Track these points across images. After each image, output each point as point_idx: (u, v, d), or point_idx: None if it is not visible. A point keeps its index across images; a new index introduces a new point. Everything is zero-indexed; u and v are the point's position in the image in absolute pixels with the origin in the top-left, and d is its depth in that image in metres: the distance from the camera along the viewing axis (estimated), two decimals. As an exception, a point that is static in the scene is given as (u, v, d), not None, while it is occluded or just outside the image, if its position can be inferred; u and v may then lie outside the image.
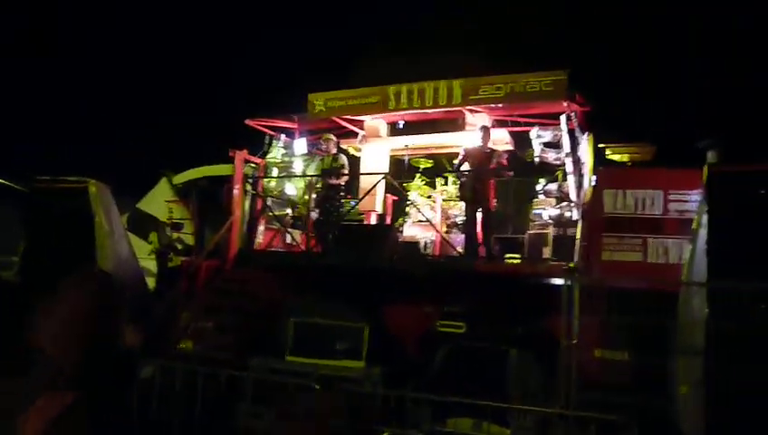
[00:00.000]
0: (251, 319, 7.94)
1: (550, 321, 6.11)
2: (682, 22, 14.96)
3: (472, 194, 8.55)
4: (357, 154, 10.60)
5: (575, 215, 8.21)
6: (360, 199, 9.53)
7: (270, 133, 10.44)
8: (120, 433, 5.77)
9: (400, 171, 10.60)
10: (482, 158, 8.61)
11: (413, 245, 9.48)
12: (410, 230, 9.99)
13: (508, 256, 9.10)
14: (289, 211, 10.08)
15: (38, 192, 8.54)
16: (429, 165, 10.88)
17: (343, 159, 9.48)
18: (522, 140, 9.55)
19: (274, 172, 10.25)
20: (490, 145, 8.83)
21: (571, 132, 8.43)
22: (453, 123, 9.79)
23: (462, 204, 9.41)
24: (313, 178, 9.56)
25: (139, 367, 6.45)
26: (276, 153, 10.29)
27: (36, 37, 19.60)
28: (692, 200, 6.68)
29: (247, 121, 10.18)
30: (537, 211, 9.25)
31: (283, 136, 10.42)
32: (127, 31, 20.31)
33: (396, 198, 10.78)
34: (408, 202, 10.13)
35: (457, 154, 9.29)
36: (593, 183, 7.39)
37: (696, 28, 14.92)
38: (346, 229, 9.09)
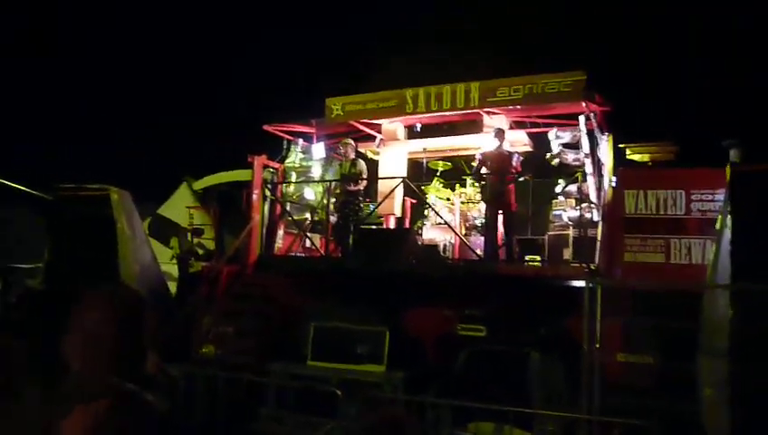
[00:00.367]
0: (271, 324, 7.98)
1: (572, 323, 6.07)
2: (705, 20, 14.79)
3: (493, 196, 8.53)
4: (375, 158, 10.61)
5: (596, 216, 8.15)
6: (379, 204, 9.53)
7: (288, 138, 10.48)
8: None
9: (418, 174, 10.59)
10: (500, 160, 8.59)
11: (432, 248, 9.46)
12: (429, 233, 9.98)
13: (528, 257, 9.07)
14: (308, 216, 10.11)
15: (61, 200, 8.68)
16: (448, 167, 10.86)
17: (362, 164, 9.49)
18: (540, 142, 9.50)
19: (293, 177, 10.29)
20: (507, 147, 8.80)
21: (590, 133, 8.37)
22: (471, 125, 9.76)
23: (481, 205, 9.39)
24: (332, 183, 9.57)
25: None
26: (295, 158, 10.33)
27: (59, 43, 19.89)
28: (715, 200, 6.62)
29: (266, 127, 10.22)
30: (557, 212, 9.19)
31: (301, 141, 10.46)
32: (148, 37, 20.52)
33: (414, 201, 10.78)
34: (426, 205, 10.11)
35: (475, 156, 9.28)
36: (614, 184, 7.33)
37: (718, 26, 14.75)
38: (365, 233, 9.10)
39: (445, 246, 9.72)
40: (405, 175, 9.96)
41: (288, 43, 20.21)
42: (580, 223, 8.39)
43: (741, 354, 4.88)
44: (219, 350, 7.67)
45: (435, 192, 10.34)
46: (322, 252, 9.42)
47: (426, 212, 10.31)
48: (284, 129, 10.42)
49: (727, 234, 5.43)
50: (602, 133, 8.23)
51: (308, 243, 9.95)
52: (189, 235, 10.87)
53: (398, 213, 10.12)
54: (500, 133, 8.71)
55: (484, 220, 9.13)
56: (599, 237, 7.45)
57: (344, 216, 9.41)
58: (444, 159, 10.68)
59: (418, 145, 10.27)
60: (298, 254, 9.92)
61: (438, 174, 10.68)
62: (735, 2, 14.29)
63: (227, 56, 20.48)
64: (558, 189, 9.16)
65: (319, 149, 10.32)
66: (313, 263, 9.28)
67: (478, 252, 8.93)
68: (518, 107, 8.97)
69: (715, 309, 5.40)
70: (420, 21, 17.92)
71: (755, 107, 12.70)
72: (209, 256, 10.68)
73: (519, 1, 15.98)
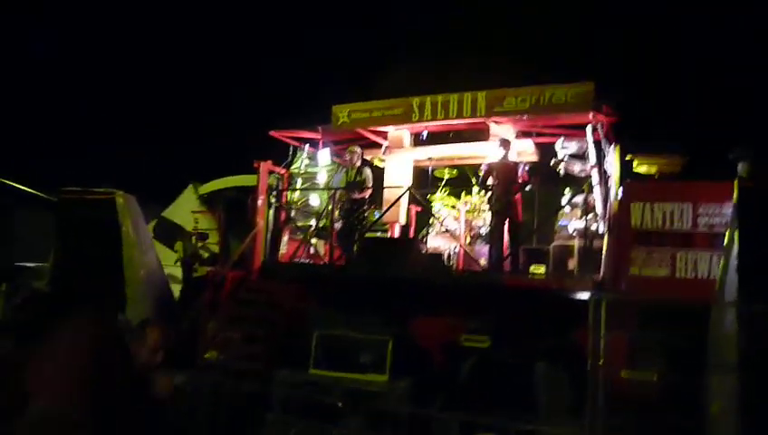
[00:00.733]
0: (276, 330, 7.97)
1: (577, 335, 6.04)
2: (713, 30, 14.78)
3: (498, 206, 8.52)
4: (381, 165, 10.60)
5: (601, 227, 8.12)
6: (385, 212, 9.52)
7: (294, 144, 10.49)
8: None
9: (424, 182, 10.59)
10: (506, 170, 8.58)
11: (437, 256, 9.44)
12: (434, 241, 9.96)
13: (533, 266, 9.03)
14: (313, 222, 10.11)
15: (67, 203, 8.71)
16: (454, 175, 10.85)
17: (367, 172, 9.48)
18: (547, 151, 9.49)
19: (298, 183, 10.30)
20: (514, 156, 8.78)
21: (597, 143, 8.35)
22: (477, 133, 9.75)
23: (486, 214, 9.37)
24: (337, 190, 9.57)
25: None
26: (300, 164, 10.35)
27: (66, 45, 19.98)
28: (723, 214, 6.58)
29: (272, 133, 10.24)
30: (562, 223, 9.17)
31: (307, 147, 10.47)
32: (157, 40, 20.58)
33: (420, 208, 10.77)
34: (431, 215, 10.10)
35: (481, 164, 9.27)
36: (620, 196, 7.31)
37: (727, 37, 14.72)
38: (369, 241, 9.10)
39: (450, 254, 9.70)
40: (410, 182, 9.97)
41: (296, 49, 20.24)
42: (586, 234, 8.36)
43: (749, 370, 4.84)
44: (223, 355, 7.67)
45: (440, 200, 10.33)
46: (327, 259, 9.42)
47: (431, 220, 10.30)
48: (291, 135, 10.43)
49: (736, 249, 5.40)
50: (609, 144, 8.21)
51: (312, 249, 9.95)
52: (194, 239, 10.89)
53: (404, 221, 10.11)
54: (506, 143, 8.70)
55: (489, 229, 9.11)
56: (604, 249, 7.42)
57: (349, 223, 9.40)
58: (450, 166, 10.66)
59: (424, 153, 10.25)
60: (302, 260, 9.92)
61: (444, 182, 10.67)
62: (747, 10, 14.24)
63: (235, 61, 20.54)
64: (564, 200, 9.13)
65: (325, 156, 10.34)
66: (317, 270, 9.27)
67: (483, 261, 8.91)
68: (525, 117, 8.97)
69: (723, 325, 5.37)
70: (426, 29, 17.94)
71: (765, 119, 12.66)
72: (214, 260, 10.70)
73: (527, 10, 15.97)
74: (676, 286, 6.44)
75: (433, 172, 10.63)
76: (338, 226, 9.55)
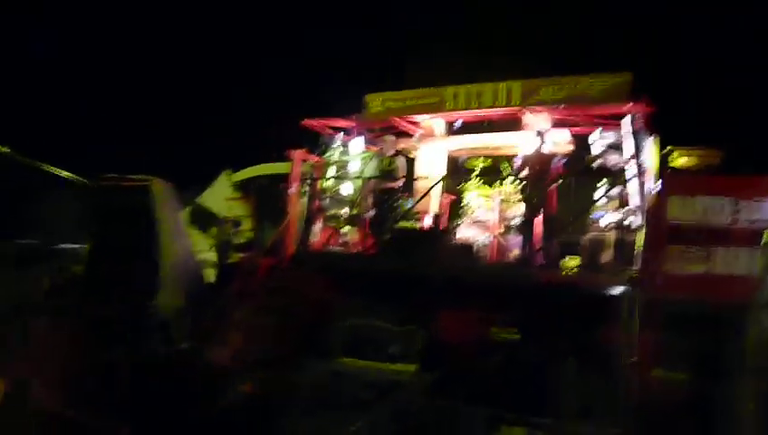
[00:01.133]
0: (305, 318, 8.02)
1: (609, 332, 5.94)
2: (755, 18, 14.23)
3: (532, 198, 8.40)
4: (414, 154, 10.54)
5: (637, 221, 7.94)
6: (417, 202, 9.47)
7: (328, 133, 10.50)
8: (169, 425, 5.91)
9: (457, 171, 10.51)
10: (541, 162, 8.45)
11: (467, 248, 9.35)
12: (466, 232, 9.86)
13: (566, 259, 8.89)
14: (345, 210, 10.11)
15: (104, 189, 8.88)
16: (487, 164, 10.74)
17: (399, 161, 9.45)
18: (583, 142, 9.30)
19: (331, 171, 10.30)
20: (548, 147, 8.64)
21: (634, 135, 8.14)
22: (511, 124, 9.63)
23: (520, 205, 9.26)
24: (369, 179, 9.56)
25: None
26: (334, 153, 10.34)
27: (100, 33, 20.31)
28: (764, 209, 6.36)
29: (305, 122, 10.26)
30: (596, 215, 8.98)
31: (340, 135, 10.46)
32: (190, 29, 20.81)
33: (453, 197, 10.69)
34: (463, 205, 10.02)
35: (516, 154, 9.15)
36: (657, 188, 7.13)
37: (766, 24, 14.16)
38: (400, 232, 9.07)
39: (482, 245, 9.60)
40: (443, 172, 9.91)
41: (330, 38, 20.20)
42: (621, 227, 8.18)
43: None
44: (252, 343, 7.75)
45: (473, 190, 10.23)
46: (358, 248, 9.43)
47: (463, 210, 10.21)
48: (324, 123, 10.44)
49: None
50: (647, 135, 8.01)
51: (344, 238, 9.97)
52: (228, 226, 11.01)
53: (436, 211, 10.04)
54: (541, 134, 8.57)
55: (522, 220, 9.00)
56: (639, 244, 7.25)
57: (381, 212, 9.39)
58: (483, 156, 10.56)
59: (458, 142, 10.18)
60: (334, 248, 9.93)
61: (477, 172, 10.57)
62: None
63: (270, 49, 20.64)
64: (599, 192, 8.95)
65: (358, 145, 10.32)
66: (348, 260, 9.29)
67: (515, 253, 8.80)
68: (561, 107, 8.81)
69: (761, 325, 5.21)
70: (459, 19, 17.70)
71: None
72: (248, 247, 10.81)
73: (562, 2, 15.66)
74: (713, 284, 6.24)
75: (466, 161, 10.54)
76: (370, 215, 9.55)
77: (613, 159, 8.61)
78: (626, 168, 8.30)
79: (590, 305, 6.49)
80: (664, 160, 7.38)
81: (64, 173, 9.56)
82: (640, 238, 7.22)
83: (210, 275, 10.05)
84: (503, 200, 9.82)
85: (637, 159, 8.13)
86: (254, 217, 11.04)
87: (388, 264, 8.15)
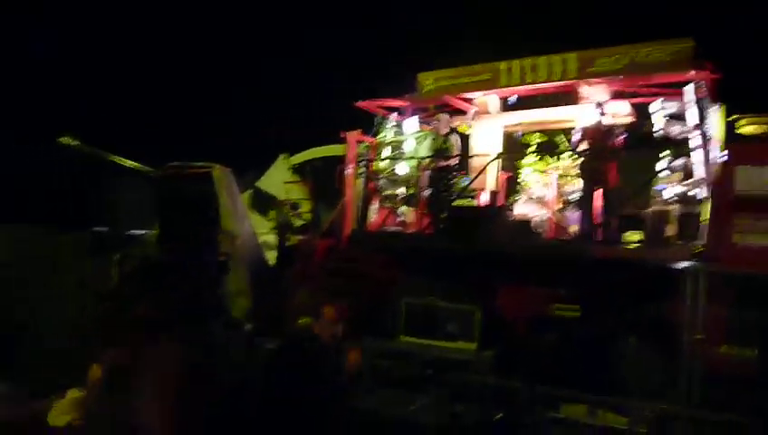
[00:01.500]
0: (364, 298, 8.14)
1: (672, 309, 5.81)
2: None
3: (591, 172, 8.24)
4: (469, 132, 10.46)
5: (702, 193, 7.69)
6: (473, 180, 9.42)
7: (381, 113, 10.53)
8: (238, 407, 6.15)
9: (513, 147, 10.38)
10: (600, 134, 8.26)
11: (525, 224, 9.25)
12: (523, 208, 9.77)
13: (627, 234, 8.69)
14: (401, 190, 10.16)
15: (169, 178, 9.21)
16: (543, 139, 10.57)
17: (454, 139, 9.41)
18: (643, 113, 9.03)
19: (386, 152, 10.35)
20: (608, 120, 8.43)
21: (698, 103, 7.85)
22: (568, 96, 9.42)
23: (578, 180, 9.09)
24: (424, 159, 9.55)
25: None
26: (388, 133, 10.38)
27: (159, 19, 20.78)
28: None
29: (359, 103, 10.32)
30: (659, 188, 8.74)
31: (394, 115, 10.48)
32: (246, 13, 21.09)
33: (509, 174, 10.58)
34: (519, 181, 9.91)
35: (573, 128, 8.97)
36: (723, 158, 6.88)
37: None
38: (456, 210, 9.05)
39: (539, 222, 9.49)
40: (499, 149, 9.81)
41: (382, 18, 20.09)
42: (685, 200, 7.94)
43: None
44: (314, 323, 7.92)
45: (530, 166, 10.11)
46: (414, 228, 9.47)
47: (519, 186, 10.10)
48: (377, 104, 10.46)
49: None
50: (711, 104, 7.71)
51: (401, 218, 10.02)
52: (287, 208, 11.24)
53: (492, 188, 9.97)
54: (600, 106, 8.36)
55: (580, 195, 8.84)
56: (705, 216, 7.03)
57: (436, 191, 9.39)
58: (539, 131, 10.39)
59: (513, 118, 10.04)
60: (391, 228, 10.01)
61: (533, 147, 10.42)
62: None
63: (322, 31, 20.71)
64: (662, 164, 8.69)
65: (411, 124, 10.31)
66: (405, 239, 9.34)
67: (574, 229, 8.66)
68: (620, 77, 8.56)
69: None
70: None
71: None
72: (306, 229, 11.02)
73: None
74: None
75: (522, 137, 10.40)
76: (426, 194, 9.57)
77: (676, 129, 8.33)
78: (689, 138, 8.02)
79: (653, 281, 6.34)
80: (730, 129, 7.10)
81: (130, 162, 9.92)
82: (706, 210, 7.00)
83: (271, 257, 10.31)
84: (560, 175, 9.68)
85: (701, 129, 7.84)
86: (311, 199, 11.21)
87: (446, 243, 8.16)
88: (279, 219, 11.08)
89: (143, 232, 10.61)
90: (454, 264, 7.63)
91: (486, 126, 10.08)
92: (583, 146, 8.43)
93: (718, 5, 13.88)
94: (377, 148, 10.35)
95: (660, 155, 8.81)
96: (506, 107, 10.09)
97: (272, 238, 11.01)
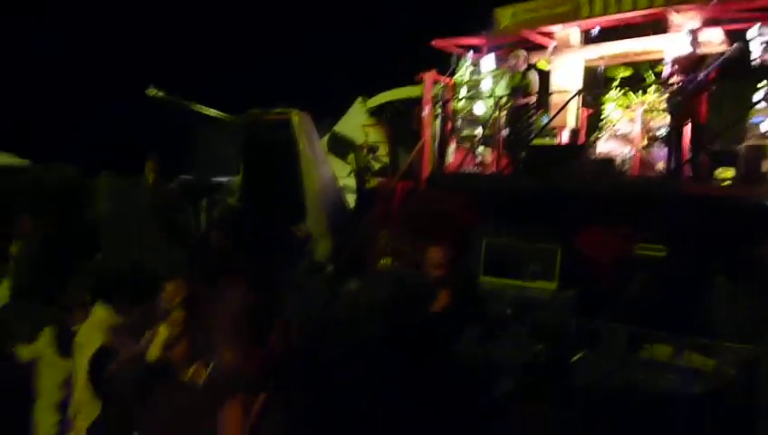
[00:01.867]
0: (444, 239, 8.19)
1: (765, 248, 5.56)
2: None
3: (681, 105, 7.85)
4: (548, 68, 10.12)
5: (803, 124, 7.21)
6: (552, 118, 9.16)
7: (458, 52, 10.33)
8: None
9: (595, 82, 9.99)
10: (692, 65, 7.81)
11: (608, 162, 8.98)
12: (606, 146, 9.45)
13: (719, 170, 8.29)
14: (479, 130, 10.04)
15: (250, 124, 9.47)
16: (629, 73, 10.10)
17: (532, 75, 9.15)
18: (739, 40, 8.43)
19: (463, 91, 10.20)
20: (700, 50, 7.95)
21: (802, 27, 7.28)
22: (655, 25, 8.90)
23: (666, 115, 8.69)
24: (502, 97, 9.36)
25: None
26: (464, 72, 10.19)
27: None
28: None
29: (435, 42, 10.14)
30: (756, 120, 8.22)
31: (470, 53, 10.25)
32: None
33: (591, 110, 10.22)
34: (602, 118, 9.56)
35: (660, 60, 8.53)
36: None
37: None
38: (536, 150, 8.87)
39: (623, 159, 9.18)
40: (580, 84, 9.48)
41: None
42: (784, 133, 7.47)
43: None
44: (396, 263, 8.08)
45: (614, 101, 9.71)
46: (494, 168, 9.37)
47: (602, 123, 9.76)
48: (454, 42, 10.26)
49: None
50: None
51: (479, 158, 9.94)
52: (365, 151, 11.35)
53: (573, 125, 9.69)
54: (692, 34, 7.88)
55: (668, 131, 8.46)
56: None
57: (515, 130, 9.22)
58: (624, 64, 9.93)
59: (595, 51, 9.62)
60: (469, 169, 9.96)
61: (618, 81, 9.98)
62: None
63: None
64: (759, 95, 8.15)
65: (489, 62, 10.08)
66: (483, 180, 9.28)
67: (661, 166, 8.34)
68: (712, 2, 8.01)
69: None
70: None
71: None
72: (384, 171, 11.12)
73: None
74: None
75: (605, 72, 9.98)
76: (504, 133, 9.41)
77: (776, 56, 7.78)
78: (791, 66, 7.48)
79: (746, 219, 6.08)
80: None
81: (212, 111, 10.24)
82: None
83: (350, 200, 10.51)
84: (646, 111, 9.26)
85: (805, 55, 7.30)
86: (389, 141, 11.26)
87: (525, 182, 8.06)
88: (357, 163, 11.22)
89: (228, 178, 11.02)
90: (534, 203, 7.54)
91: (567, 61, 9.72)
92: (675, 78, 8.01)
93: None
94: (454, 88, 10.21)
95: (758, 85, 8.28)
96: (588, 40, 9.67)
97: (351, 182, 11.20)
